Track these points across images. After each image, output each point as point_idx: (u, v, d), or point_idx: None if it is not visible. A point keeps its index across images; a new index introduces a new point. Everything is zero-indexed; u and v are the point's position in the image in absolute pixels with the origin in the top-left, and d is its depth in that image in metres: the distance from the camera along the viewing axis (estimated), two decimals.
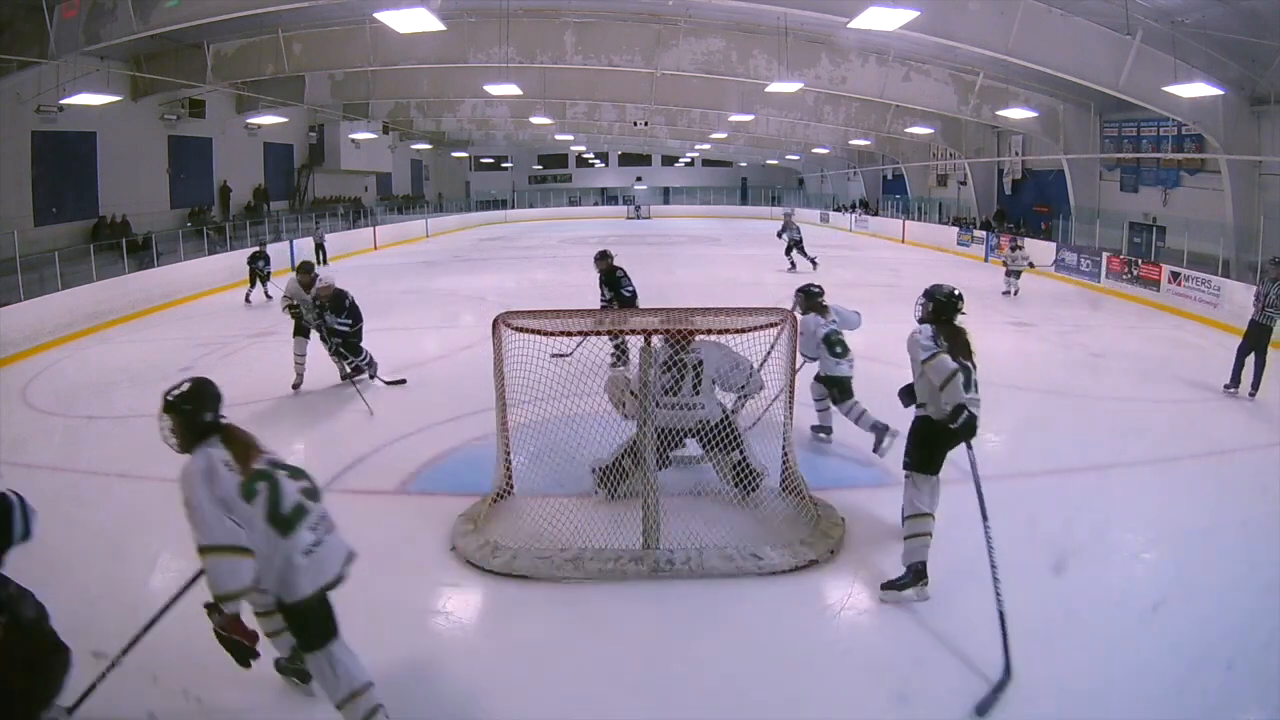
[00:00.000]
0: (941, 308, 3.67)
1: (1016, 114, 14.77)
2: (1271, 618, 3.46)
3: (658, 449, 4.12)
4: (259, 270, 12.62)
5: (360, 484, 4.97)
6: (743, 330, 4.21)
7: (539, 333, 4.24)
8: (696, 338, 4.38)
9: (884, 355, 8.64)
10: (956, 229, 20.91)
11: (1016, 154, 19.88)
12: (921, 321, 3.69)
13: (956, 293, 3.72)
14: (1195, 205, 14.00)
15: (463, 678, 3.14)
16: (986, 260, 18.23)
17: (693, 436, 4.58)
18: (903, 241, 23.43)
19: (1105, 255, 14.15)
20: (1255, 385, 6.88)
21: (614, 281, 7.47)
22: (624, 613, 3.56)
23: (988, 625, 3.36)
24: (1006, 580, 3.78)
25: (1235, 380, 6.98)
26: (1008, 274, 13.38)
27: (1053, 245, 16.10)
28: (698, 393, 4.45)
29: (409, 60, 14.42)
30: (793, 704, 2.95)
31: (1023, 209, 20.03)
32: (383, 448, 5.65)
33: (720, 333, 4.27)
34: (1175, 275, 12.04)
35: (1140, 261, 13.27)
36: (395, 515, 4.55)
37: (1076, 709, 2.89)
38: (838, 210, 30.95)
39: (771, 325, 4.37)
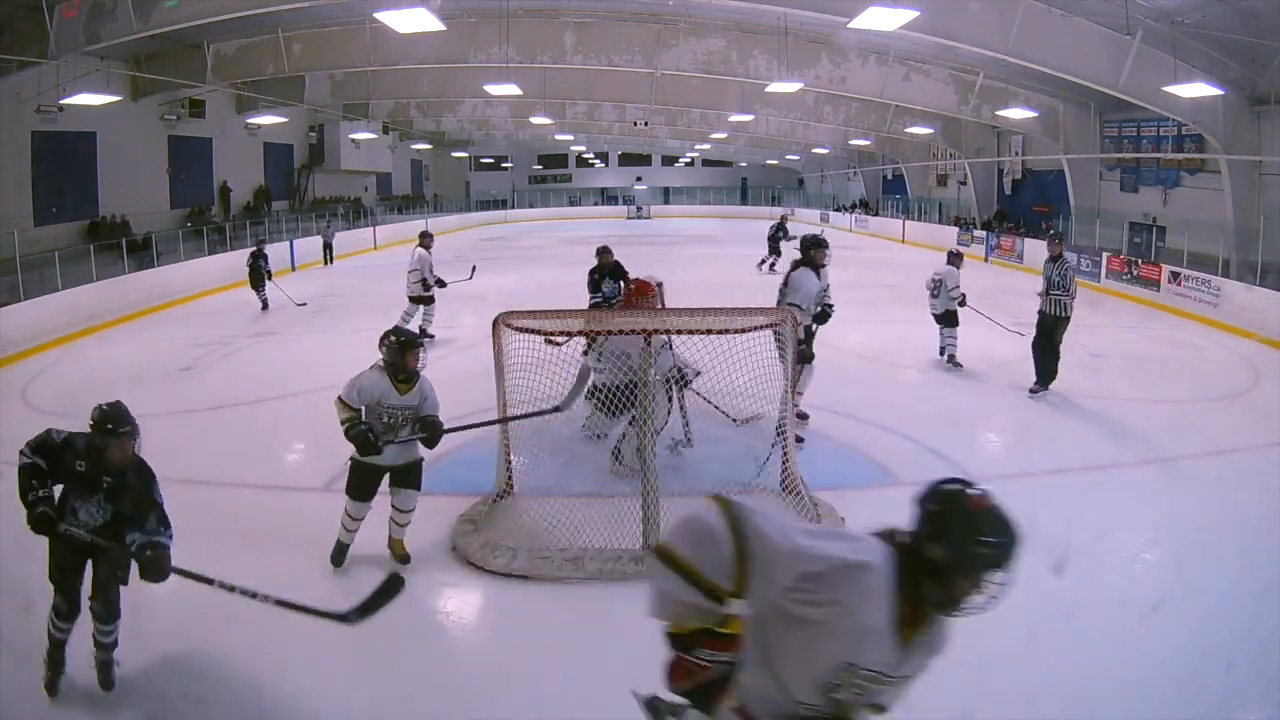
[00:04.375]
0: None
1: (1016, 114, 14.76)
2: (1271, 618, 3.46)
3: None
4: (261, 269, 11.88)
5: None
6: (743, 330, 4.21)
7: (539, 333, 4.25)
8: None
9: (884, 355, 8.72)
10: (956, 229, 20.92)
11: (1016, 154, 19.86)
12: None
13: None
14: (1195, 205, 13.99)
15: (463, 678, 3.15)
16: (987, 260, 18.29)
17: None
18: (903, 241, 23.43)
19: (1105, 255, 14.15)
20: (1044, 380, 6.65)
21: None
22: (624, 613, 3.55)
23: (988, 625, 3.36)
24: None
25: (1041, 380, 6.75)
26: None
27: None
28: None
29: (409, 60, 14.40)
30: None
31: (1023, 209, 20.04)
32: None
33: (720, 333, 4.28)
34: (1175, 275, 12.04)
35: (1140, 261, 13.27)
36: None
37: (1077, 709, 2.89)
38: (838, 210, 30.94)
39: (772, 325, 4.37)
